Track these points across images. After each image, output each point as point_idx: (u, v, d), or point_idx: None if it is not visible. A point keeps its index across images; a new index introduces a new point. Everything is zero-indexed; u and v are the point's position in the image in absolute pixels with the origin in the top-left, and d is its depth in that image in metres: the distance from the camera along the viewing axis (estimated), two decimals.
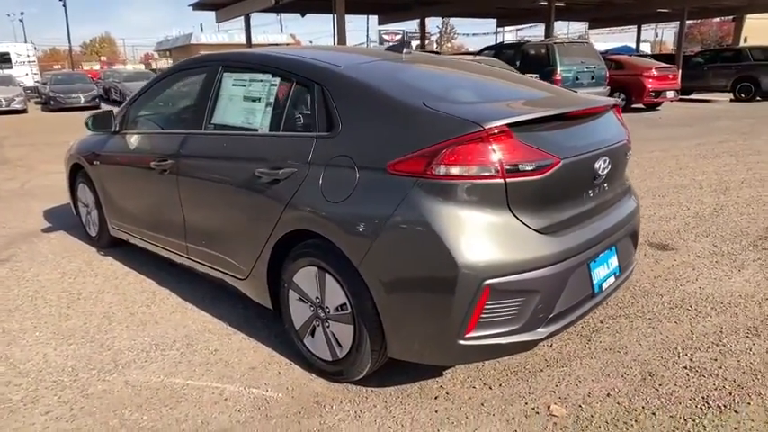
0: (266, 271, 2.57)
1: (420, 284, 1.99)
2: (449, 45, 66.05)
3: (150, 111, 3.68)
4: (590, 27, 26.30)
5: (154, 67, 37.11)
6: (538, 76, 10.72)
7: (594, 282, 2.29)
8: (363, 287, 2.13)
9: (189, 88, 3.38)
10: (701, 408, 2.17)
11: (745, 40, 25.27)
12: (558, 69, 11.46)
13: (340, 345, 2.32)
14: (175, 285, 3.46)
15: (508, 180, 1.95)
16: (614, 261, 2.46)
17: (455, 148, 1.93)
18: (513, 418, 2.12)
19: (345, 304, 2.23)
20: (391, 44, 3.50)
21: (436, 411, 2.17)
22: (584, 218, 2.26)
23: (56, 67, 46.22)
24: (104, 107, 18.86)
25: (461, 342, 1.98)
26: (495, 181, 1.94)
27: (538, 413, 2.15)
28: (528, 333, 2.05)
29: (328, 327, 2.35)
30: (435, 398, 2.26)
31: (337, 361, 2.34)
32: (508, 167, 1.94)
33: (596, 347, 2.64)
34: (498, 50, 13.43)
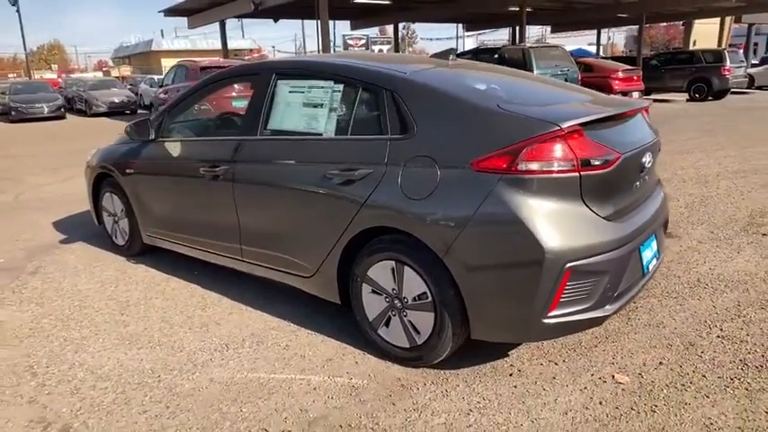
0: (336, 267, 2.73)
1: (508, 270, 2.19)
2: (410, 49, 67.00)
3: (190, 118, 3.75)
4: (552, 31, 27.26)
5: (116, 74, 36.07)
6: None
7: (644, 263, 2.56)
8: (445, 276, 2.32)
9: (235, 95, 3.48)
10: (741, 369, 2.46)
11: (695, 43, 26.73)
12: (536, 72, 11.91)
13: (418, 332, 2.50)
14: (222, 288, 3.54)
15: (582, 173, 2.18)
16: (655, 245, 2.73)
17: (536, 146, 2.15)
18: (585, 388, 2.35)
19: (425, 293, 2.41)
20: (439, 51, 3.70)
21: (515, 387, 2.38)
22: (634, 206, 2.53)
23: (11, 76, 44.27)
24: (70, 117, 18.41)
25: (545, 321, 2.20)
26: (571, 175, 2.17)
27: (605, 382, 2.39)
28: (598, 310, 2.28)
29: (406, 316, 2.52)
30: (510, 375, 2.47)
31: (416, 347, 2.52)
32: (582, 162, 2.18)
33: (636, 324, 2.90)
34: (476, 54, 13.83)
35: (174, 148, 3.57)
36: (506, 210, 2.15)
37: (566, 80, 12.80)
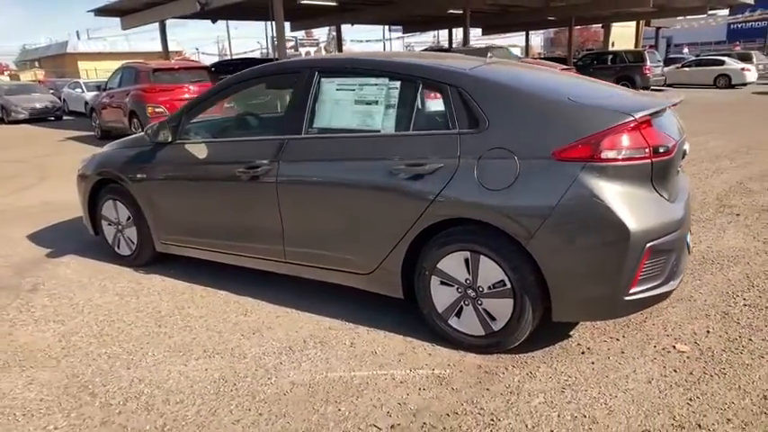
0: (401, 262, 2.75)
1: (594, 252, 2.32)
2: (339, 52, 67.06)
3: (213, 119, 3.62)
4: (483, 33, 28.25)
5: (32, 78, 33.21)
6: None
7: (688, 241, 2.78)
8: (526, 263, 2.42)
9: (266, 94, 3.40)
10: None
11: (613, 44, 28.67)
12: None
13: (494, 318, 2.58)
14: (254, 293, 3.44)
15: (653, 160, 2.35)
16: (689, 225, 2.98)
17: (615, 136, 2.29)
18: (654, 359, 2.53)
19: (503, 281, 2.50)
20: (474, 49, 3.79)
21: (593, 363, 2.52)
22: (678, 189, 2.74)
23: None
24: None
25: (626, 298, 2.35)
26: (645, 161, 2.33)
27: (669, 352, 2.59)
28: (666, 286, 2.46)
29: (480, 304, 2.59)
30: (582, 353, 2.61)
31: (492, 334, 2.60)
32: (653, 149, 2.35)
33: (670, 299, 3.14)
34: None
35: (199, 150, 3.43)
36: (592, 195, 2.27)
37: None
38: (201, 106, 3.55)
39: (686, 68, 22.65)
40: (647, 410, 2.16)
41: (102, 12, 15.09)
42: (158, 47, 40.36)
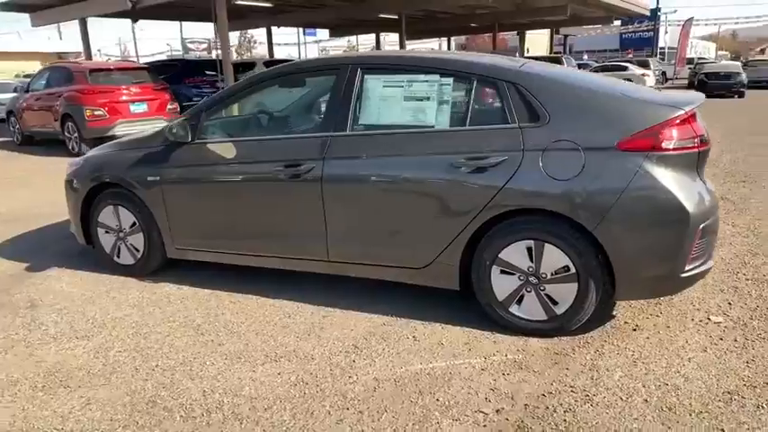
0: (461, 254, 2.82)
1: (656, 234, 2.52)
2: (249, 54, 65.76)
3: (238, 116, 3.47)
4: (408, 38, 28.76)
5: None
6: None
7: None
8: (590, 248, 2.58)
9: (298, 91, 3.33)
10: None
11: (527, 50, 30.37)
12: None
13: (556, 303, 2.71)
14: (287, 294, 3.35)
15: (699, 149, 2.59)
16: None
17: (672, 127, 2.51)
18: (698, 330, 2.78)
19: (567, 266, 2.64)
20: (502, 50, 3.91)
21: (648, 338, 2.72)
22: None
23: None
24: None
25: (682, 275, 2.58)
26: (694, 151, 2.57)
27: (707, 324, 2.85)
28: (707, 264, 2.72)
29: (543, 290, 2.72)
30: (633, 330, 2.81)
31: (554, 318, 2.73)
32: (699, 140, 2.59)
33: None
34: None
35: (226, 150, 3.29)
36: (655, 182, 2.47)
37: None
38: (224, 104, 3.41)
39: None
40: (717, 375, 2.39)
41: (8, 6, 13.66)
42: (55, 47, 37.32)
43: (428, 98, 2.90)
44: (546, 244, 2.65)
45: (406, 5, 16.47)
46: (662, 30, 47.46)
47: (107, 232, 3.81)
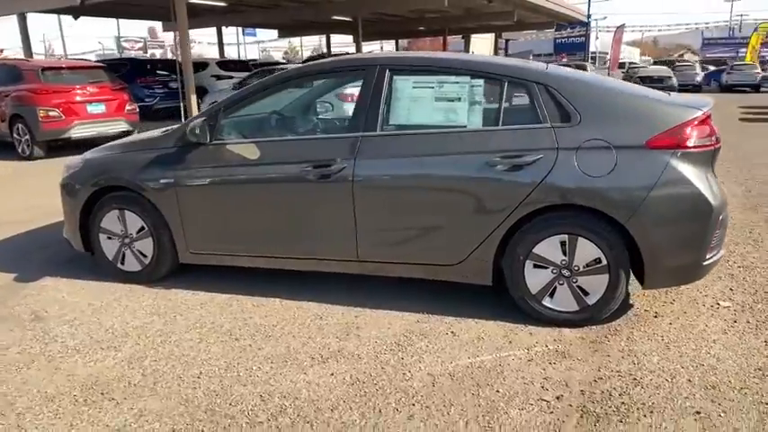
0: (495, 250, 2.91)
1: (683, 226, 2.70)
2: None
3: (259, 116, 3.40)
4: (354, 40, 28.81)
5: None
6: None
7: None
8: (621, 240, 2.73)
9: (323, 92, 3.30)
10: None
11: (473, 53, 31.20)
12: None
13: (587, 294, 2.85)
14: (309, 296, 3.31)
15: (715, 147, 2.81)
16: None
17: (695, 127, 2.70)
18: (711, 314, 3.00)
19: (599, 258, 2.78)
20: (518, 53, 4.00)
21: (670, 323, 2.91)
22: None
23: None
24: None
25: (704, 264, 2.78)
26: (710, 148, 2.78)
27: (717, 308, 3.08)
28: (720, 252, 2.94)
29: (575, 282, 2.85)
30: (655, 317, 3.00)
31: (585, 308, 2.87)
32: (714, 139, 2.80)
33: None
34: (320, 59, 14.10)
35: (248, 151, 3.22)
36: (681, 178, 2.65)
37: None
38: (243, 104, 3.34)
39: None
40: (744, 354, 2.60)
41: None
42: None
43: (459, 99, 2.97)
44: (579, 238, 2.79)
45: (362, 8, 16.52)
46: (593, 35, 49.95)
47: (109, 238, 3.63)
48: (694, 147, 2.70)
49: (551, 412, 2.22)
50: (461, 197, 2.91)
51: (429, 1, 14.67)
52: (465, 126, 2.95)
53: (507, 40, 37.50)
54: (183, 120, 11.08)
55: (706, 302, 3.16)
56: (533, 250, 2.86)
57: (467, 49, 30.74)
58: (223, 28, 21.05)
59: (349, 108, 3.40)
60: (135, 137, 3.85)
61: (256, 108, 3.48)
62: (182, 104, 11.17)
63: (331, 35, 25.58)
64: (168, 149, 3.40)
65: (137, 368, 2.61)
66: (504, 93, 2.92)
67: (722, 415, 2.16)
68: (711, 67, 31.24)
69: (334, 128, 3.28)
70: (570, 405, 2.26)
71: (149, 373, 2.57)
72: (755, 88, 23.85)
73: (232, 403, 2.33)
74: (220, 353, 2.75)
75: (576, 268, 2.83)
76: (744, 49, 38.64)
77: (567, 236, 2.80)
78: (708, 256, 2.79)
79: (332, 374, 2.53)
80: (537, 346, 2.73)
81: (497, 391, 2.37)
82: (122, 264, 3.65)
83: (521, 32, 36.30)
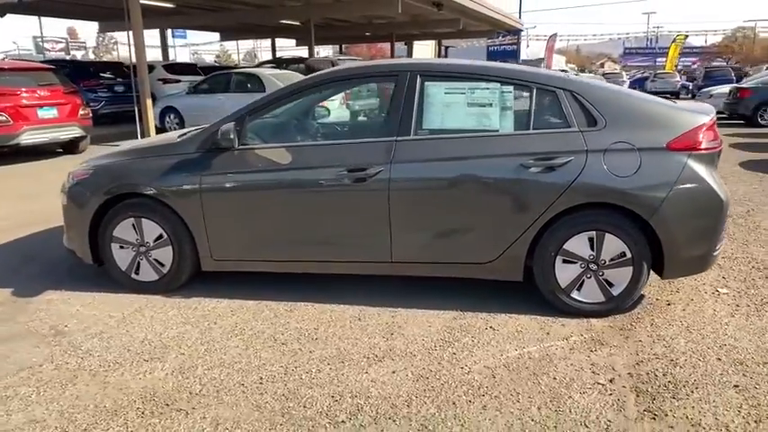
0: (528, 247, 3.07)
1: (699, 220, 2.97)
2: (109, 56, 61.23)
3: (286, 121, 3.39)
4: (297, 44, 28.65)
5: None
6: None
7: None
8: (644, 235, 2.98)
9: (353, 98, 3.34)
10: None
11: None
12: None
13: (612, 285, 3.07)
14: (336, 298, 3.35)
15: (719, 149, 3.12)
16: None
17: (706, 131, 2.99)
18: (715, 300, 3.32)
19: (624, 252, 3.01)
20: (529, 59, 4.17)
21: (683, 309, 3.19)
22: None
23: None
24: None
25: (713, 254, 3.07)
26: (716, 150, 3.08)
27: (718, 294, 3.41)
28: (722, 244, 3.26)
29: (602, 275, 3.07)
30: (668, 305, 3.27)
31: (611, 299, 3.09)
32: (719, 142, 3.11)
33: None
34: (280, 64, 13.95)
35: (277, 155, 3.21)
36: (697, 176, 2.93)
37: (367, 89, 14.12)
38: (271, 108, 3.33)
39: None
40: (755, 333, 2.90)
41: None
42: None
43: (490, 104, 3.13)
44: (607, 234, 3.01)
45: (315, 13, 16.49)
46: (523, 44, 52.21)
47: (122, 247, 3.50)
48: (705, 148, 2.99)
49: (610, 394, 2.40)
50: (496, 198, 3.06)
51: (383, 8, 14.86)
52: (497, 130, 3.11)
53: (447, 48, 38.51)
54: (138, 125, 10.67)
55: (707, 290, 3.48)
56: (564, 246, 3.05)
57: (410, 55, 31.30)
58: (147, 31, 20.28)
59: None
60: (146, 142, 3.73)
61: (282, 113, 3.48)
62: (136, 109, 10.70)
63: (263, 40, 25.27)
64: (190, 155, 3.33)
65: (191, 378, 2.56)
66: (534, 98, 3.10)
67: (757, 387, 2.42)
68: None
69: (366, 132, 3.33)
70: (624, 386, 2.46)
71: (207, 382, 2.53)
72: (675, 95, 25.85)
73: (306, 406, 2.34)
74: (272, 358, 2.74)
75: (603, 262, 3.05)
76: (661, 59, 41.79)
77: (595, 232, 3.02)
78: (716, 248, 3.09)
79: (393, 372, 2.59)
80: (573, 336, 2.92)
81: (554, 378, 2.52)
82: (137, 274, 3.52)
83: (459, 40, 37.37)
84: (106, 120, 13.13)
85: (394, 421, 2.24)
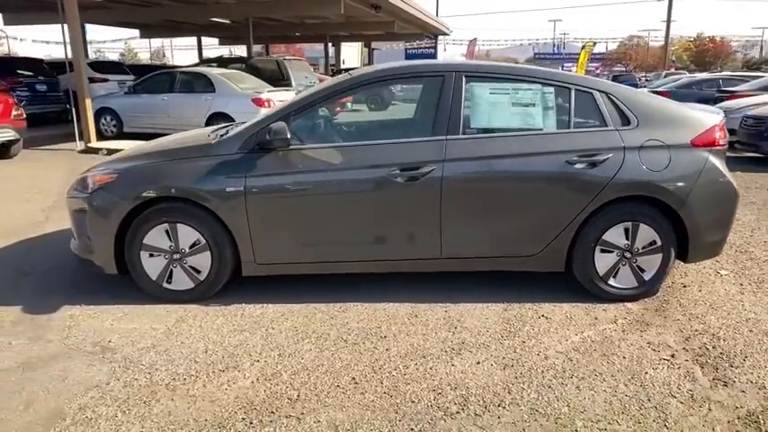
0: (571, 238, 3.28)
1: (718, 209, 3.31)
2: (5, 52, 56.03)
3: (326, 120, 3.33)
4: (220, 43, 27.64)
5: None
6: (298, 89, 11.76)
7: None
8: (671, 224, 3.28)
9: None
10: None
11: (344, 61, 31.78)
12: (294, 83, 12.57)
13: (643, 271, 3.35)
14: (375, 297, 3.38)
15: (726, 145, 3.49)
16: None
17: (720, 129, 3.34)
18: (721, 282, 3.70)
19: (655, 240, 3.30)
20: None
21: (699, 290, 3.54)
22: None
23: None
24: None
25: (726, 240, 3.44)
26: (726, 146, 3.45)
27: (722, 276, 3.80)
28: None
29: (635, 262, 3.34)
30: (684, 287, 3.60)
31: (643, 283, 3.36)
32: (728, 140, 3.48)
33: None
34: (222, 63, 13.43)
35: (329, 155, 3.18)
36: (717, 169, 3.27)
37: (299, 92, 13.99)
38: (316, 107, 3.28)
39: None
40: None
41: None
42: None
43: (533, 104, 3.30)
44: (641, 224, 3.27)
45: (252, 11, 16.04)
46: (441, 47, 53.80)
47: (152, 255, 3.30)
48: (720, 145, 3.35)
49: (678, 368, 2.64)
50: (544, 193, 3.23)
51: (327, 8, 14.77)
52: (541, 129, 3.29)
53: (372, 50, 38.91)
54: (75, 125, 9.87)
55: (710, 272, 3.88)
56: (603, 237, 3.29)
57: (337, 57, 31.30)
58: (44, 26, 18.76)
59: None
60: (172, 143, 3.52)
61: (323, 112, 3.44)
62: (73, 109, 9.92)
63: (200, 37, 24.25)
64: (231, 155, 3.22)
65: (281, 384, 2.50)
66: (573, 99, 3.31)
67: None
68: None
69: (411, 131, 3.36)
70: (686, 360, 2.71)
71: (299, 386, 2.48)
72: None
73: (413, 401, 2.37)
74: (352, 358, 2.73)
75: (636, 250, 3.32)
76: (568, 64, 44.70)
77: (630, 223, 3.28)
78: (728, 234, 3.46)
79: (478, 363, 2.68)
80: (619, 319, 3.15)
81: (624, 357, 2.73)
82: (169, 282, 3.34)
83: (386, 42, 37.89)
84: (27, 122, 12.00)
85: (504, 408, 2.33)
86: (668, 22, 28.27)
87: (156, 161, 3.34)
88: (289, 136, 3.09)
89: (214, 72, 10.87)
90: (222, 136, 3.40)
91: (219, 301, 3.38)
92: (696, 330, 3.01)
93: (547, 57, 58.21)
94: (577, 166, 3.20)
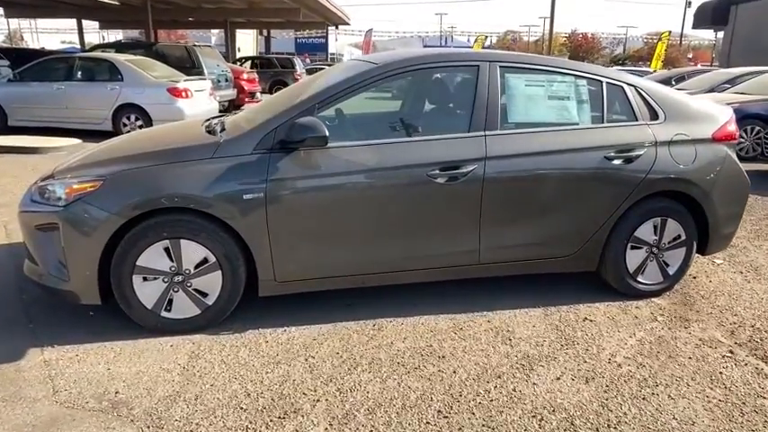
0: (607, 236, 3.19)
1: (735, 201, 3.40)
2: None
3: (359, 116, 2.90)
4: (101, 27, 24.94)
5: None
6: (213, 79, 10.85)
7: None
8: (693, 219, 3.31)
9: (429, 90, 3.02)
10: None
11: (239, 49, 30.21)
12: (206, 71, 11.55)
13: (668, 265, 3.37)
14: (405, 310, 3.09)
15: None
16: None
17: (733, 123, 3.43)
18: (723, 270, 3.85)
19: (680, 235, 3.32)
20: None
21: (710, 281, 3.64)
22: None
23: None
24: None
25: (737, 231, 3.56)
26: (737, 140, 3.56)
27: (718, 265, 3.95)
28: None
29: (662, 258, 3.33)
30: (694, 278, 3.69)
31: (667, 277, 3.38)
32: (737, 133, 3.60)
33: None
34: (120, 48, 11.97)
35: (361, 155, 2.78)
36: (734, 162, 3.35)
37: (226, 80, 13.01)
38: (340, 101, 2.85)
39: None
40: None
41: None
42: None
43: (568, 97, 3.15)
44: (669, 219, 3.27)
45: None
46: (332, 37, 53.30)
47: (146, 279, 2.70)
48: (734, 138, 3.44)
49: (745, 364, 2.64)
50: (584, 191, 3.10)
51: None
52: (577, 123, 3.15)
53: (267, 36, 37.49)
54: None
55: (705, 262, 4.02)
56: (634, 234, 3.24)
57: (232, 43, 29.71)
58: None
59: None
60: (160, 141, 2.89)
61: (348, 106, 3.02)
62: None
63: (81, 19, 21.64)
64: (245, 156, 2.70)
65: (362, 428, 2.11)
66: (605, 93, 3.20)
67: None
68: None
69: (450, 127, 3.03)
70: (747, 355, 2.72)
71: (384, 428, 2.11)
72: None
73: (518, 430, 2.11)
74: (423, 386, 2.40)
75: (664, 245, 3.32)
76: None
77: (659, 219, 3.26)
78: (739, 224, 3.59)
79: (558, 378, 2.48)
80: (658, 317, 3.13)
81: (689, 358, 2.68)
82: (168, 311, 2.76)
83: (282, 31, 36.61)
84: None
85: (615, 428, 2.15)
86: (552, 18, 30.21)
87: (149, 164, 2.71)
88: (327, 133, 2.65)
89: (120, 58, 9.64)
90: (222, 132, 2.86)
91: (227, 328, 2.86)
92: (734, 323, 3.06)
93: (436, 48, 59.84)
94: (615, 161, 3.11)
